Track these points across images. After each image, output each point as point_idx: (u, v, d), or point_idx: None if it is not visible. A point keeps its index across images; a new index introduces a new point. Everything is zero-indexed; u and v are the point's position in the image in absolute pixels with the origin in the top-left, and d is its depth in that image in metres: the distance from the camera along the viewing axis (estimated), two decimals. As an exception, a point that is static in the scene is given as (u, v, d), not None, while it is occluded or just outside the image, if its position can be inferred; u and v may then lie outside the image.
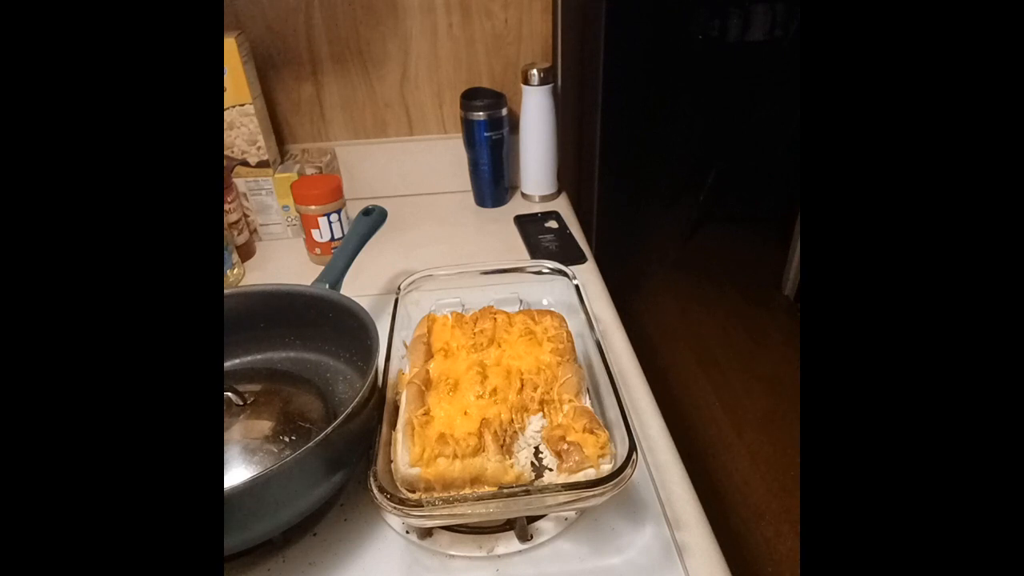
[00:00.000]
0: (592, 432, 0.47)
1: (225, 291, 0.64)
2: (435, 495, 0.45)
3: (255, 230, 0.96)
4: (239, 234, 0.89)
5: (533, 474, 0.47)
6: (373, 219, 0.71)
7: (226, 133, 0.90)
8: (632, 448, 0.44)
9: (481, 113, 0.94)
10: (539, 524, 0.50)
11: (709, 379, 1.93)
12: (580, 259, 0.87)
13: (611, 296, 0.81)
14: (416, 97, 1.03)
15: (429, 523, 0.48)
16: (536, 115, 0.96)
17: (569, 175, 1.28)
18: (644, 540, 0.49)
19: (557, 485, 0.44)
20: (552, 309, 0.63)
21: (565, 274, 0.65)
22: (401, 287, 0.65)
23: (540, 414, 0.50)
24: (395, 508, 0.42)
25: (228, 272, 0.84)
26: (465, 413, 0.49)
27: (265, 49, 0.96)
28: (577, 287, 0.63)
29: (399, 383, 0.55)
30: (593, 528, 0.50)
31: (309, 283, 0.63)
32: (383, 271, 0.86)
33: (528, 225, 0.95)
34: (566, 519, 0.50)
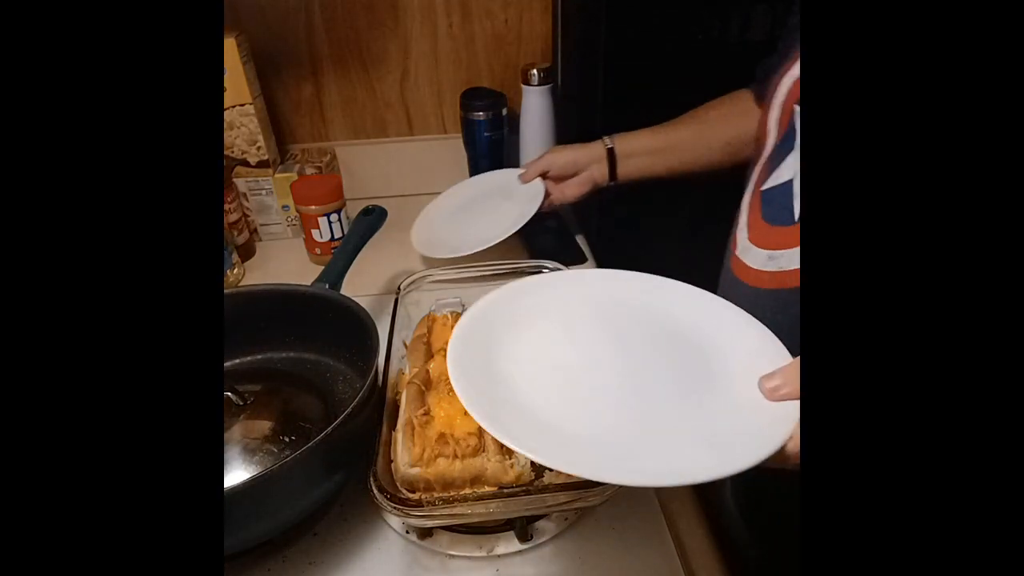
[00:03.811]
0: (592, 432, 0.47)
1: (225, 291, 0.64)
2: (435, 495, 0.45)
3: (255, 230, 0.96)
4: (239, 234, 0.89)
5: (533, 474, 0.47)
6: (373, 219, 0.71)
7: (226, 133, 0.90)
8: (632, 448, 0.44)
9: (481, 113, 0.94)
10: (539, 524, 0.50)
11: (709, 379, 1.92)
12: (580, 259, 0.87)
13: (611, 296, 0.80)
14: (416, 97, 1.03)
15: (429, 523, 0.48)
16: (536, 115, 0.96)
17: (569, 175, 1.27)
18: (644, 540, 0.49)
19: (557, 485, 0.44)
20: (552, 309, 0.63)
21: (565, 274, 0.65)
22: (401, 287, 0.65)
23: (540, 414, 0.50)
24: (395, 508, 0.42)
25: (228, 272, 0.84)
26: (465, 413, 0.49)
27: (265, 49, 0.95)
28: (577, 287, 0.63)
29: (399, 383, 0.55)
30: (593, 528, 0.50)
31: (309, 283, 0.63)
32: (383, 271, 0.86)
33: (528, 225, 0.95)
34: (566, 519, 0.50)
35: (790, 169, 0.49)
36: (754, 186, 0.55)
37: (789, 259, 0.47)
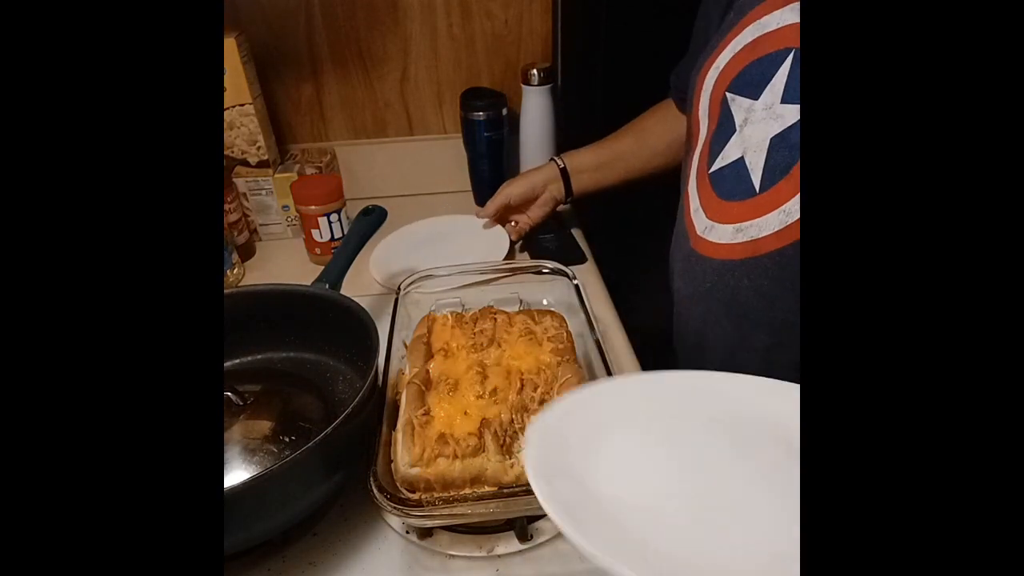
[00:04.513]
0: (592, 432, 0.46)
1: (225, 291, 0.64)
2: (435, 495, 0.45)
3: (255, 230, 0.96)
4: (239, 234, 0.89)
5: (533, 474, 0.47)
6: (373, 219, 0.71)
7: (226, 133, 0.90)
8: (632, 448, 0.44)
9: (481, 113, 0.94)
10: (539, 524, 0.50)
11: (709, 379, 1.92)
12: (580, 259, 0.87)
13: (611, 296, 0.80)
14: (416, 97, 1.03)
15: (429, 523, 0.48)
16: (536, 115, 0.96)
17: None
18: (644, 540, 0.49)
19: (557, 485, 0.44)
20: (552, 309, 0.63)
21: (565, 274, 0.65)
22: (401, 287, 0.65)
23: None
24: (395, 508, 0.42)
25: (228, 272, 0.84)
26: (465, 413, 0.49)
27: (265, 49, 0.96)
28: (577, 287, 0.63)
29: (399, 383, 0.55)
30: (593, 528, 0.50)
31: (309, 283, 0.63)
32: (383, 271, 0.86)
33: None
34: (566, 519, 0.50)
35: (737, 149, 0.53)
36: (697, 172, 0.58)
37: (759, 228, 0.50)
